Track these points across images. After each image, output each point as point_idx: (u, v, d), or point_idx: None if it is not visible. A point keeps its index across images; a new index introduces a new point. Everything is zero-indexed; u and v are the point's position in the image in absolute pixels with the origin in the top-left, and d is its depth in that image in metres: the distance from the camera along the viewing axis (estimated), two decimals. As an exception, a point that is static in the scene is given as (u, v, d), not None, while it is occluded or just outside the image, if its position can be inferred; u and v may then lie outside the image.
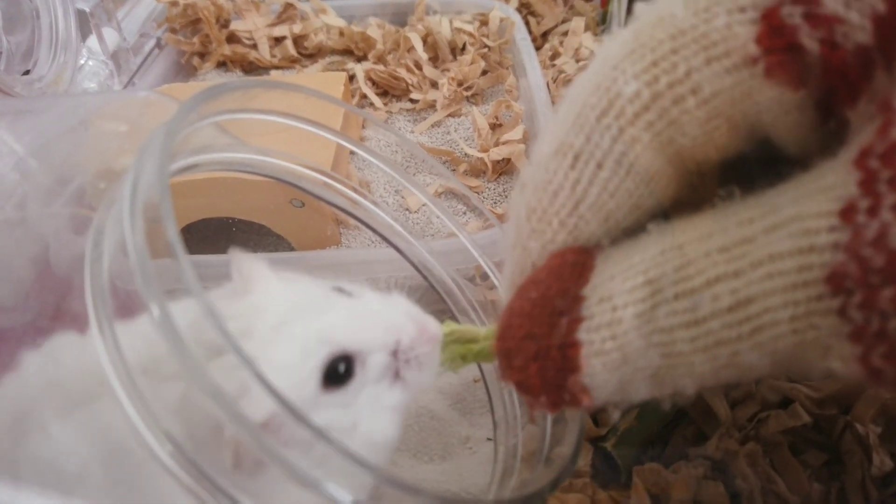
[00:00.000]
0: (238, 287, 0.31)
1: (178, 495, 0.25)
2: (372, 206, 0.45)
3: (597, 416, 0.42)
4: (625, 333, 0.20)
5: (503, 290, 0.26)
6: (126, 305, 0.26)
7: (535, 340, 0.22)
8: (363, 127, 0.69)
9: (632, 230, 0.23)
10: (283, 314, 0.29)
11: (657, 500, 0.38)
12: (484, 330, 0.31)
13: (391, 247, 0.45)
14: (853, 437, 0.40)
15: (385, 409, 0.30)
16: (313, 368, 0.28)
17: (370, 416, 0.30)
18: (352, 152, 0.62)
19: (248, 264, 0.32)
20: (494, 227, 0.47)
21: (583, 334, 0.21)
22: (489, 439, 0.44)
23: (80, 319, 0.26)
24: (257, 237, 0.55)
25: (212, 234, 0.55)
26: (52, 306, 0.33)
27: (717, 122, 0.20)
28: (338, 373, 0.28)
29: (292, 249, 0.54)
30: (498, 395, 0.40)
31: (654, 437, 0.42)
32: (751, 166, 0.23)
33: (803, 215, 0.18)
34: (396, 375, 0.30)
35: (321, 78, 0.68)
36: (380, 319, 0.30)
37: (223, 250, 0.54)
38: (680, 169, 0.22)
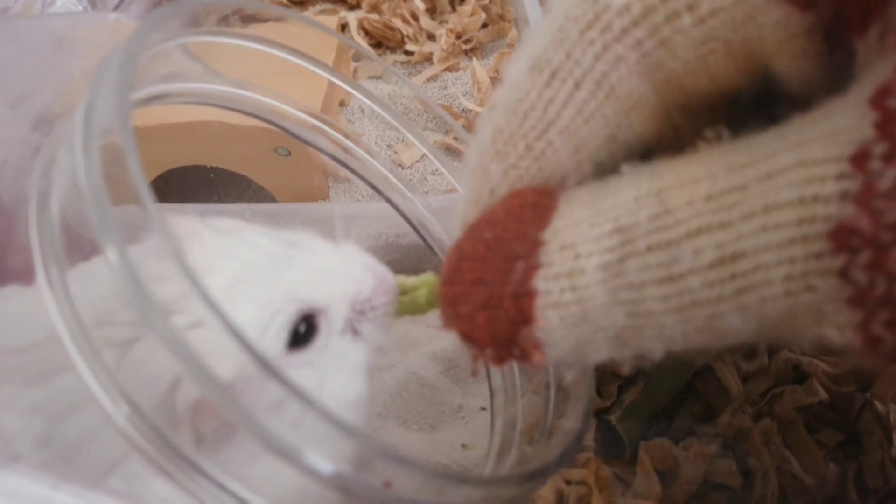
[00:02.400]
0: (165, 246, 0.27)
1: (126, 455, 0.22)
2: (365, 156, 0.42)
3: (600, 387, 0.40)
4: (587, 286, 0.18)
5: (455, 222, 0.23)
6: (78, 246, 0.22)
7: (486, 287, 0.20)
8: (354, 77, 0.65)
9: (602, 173, 0.21)
10: (237, 273, 0.27)
11: (663, 477, 0.35)
12: (413, 280, 0.30)
13: (385, 201, 0.42)
14: (872, 416, 0.38)
15: (351, 365, 0.28)
16: (280, 327, 0.26)
17: (336, 374, 0.28)
18: (341, 103, 0.58)
19: (173, 221, 0.28)
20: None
21: (539, 283, 0.19)
22: (483, 409, 0.41)
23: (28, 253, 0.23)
24: (239, 188, 0.52)
25: (190, 185, 0.51)
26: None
27: (713, 46, 0.18)
28: (302, 331, 0.27)
29: (275, 202, 0.51)
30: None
31: (660, 412, 0.39)
32: (743, 107, 0.20)
33: (806, 161, 0.16)
34: (354, 331, 0.29)
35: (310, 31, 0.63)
36: (341, 272, 0.29)
37: (202, 202, 0.50)
38: (665, 99, 0.20)
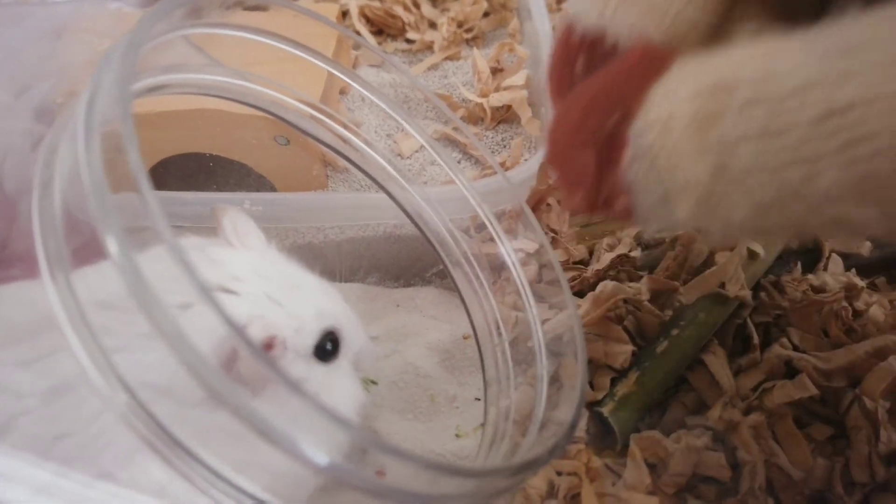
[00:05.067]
0: (232, 240, 0.33)
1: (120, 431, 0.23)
2: (364, 146, 0.42)
3: (593, 380, 0.40)
4: (677, 134, 0.19)
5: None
6: (78, 230, 0.23)
7: (587, 130, 0.22)
8: (354, 67, 0.65)
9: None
10: (281, 287, 0.32)
11: (654, 469, 0.36)
12: None
13: (383, 191, 0.42)
14: (861, 412, 0.38)
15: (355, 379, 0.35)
16: (311, 332, 0.32)
17: (350, 383, 0.34)
18: (341, 91, 0.58)
19: (242, 221, 0.34)
20: (496, 174, 0.44)
21: (635, 131, 0.20)
22: (478, 399, 0.41)
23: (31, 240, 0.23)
24: (238, 176, 0.52)
25: (189, 172, 0.51)
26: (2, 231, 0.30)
27: None
28: (329, 348, 0.33)
29: (275, 190, 0.51)
30: (490, 353, 0.38)
31: (652, 405, 0.39)
32: None
33: None
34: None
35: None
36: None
37: (201, 189, 0.50)
38: None
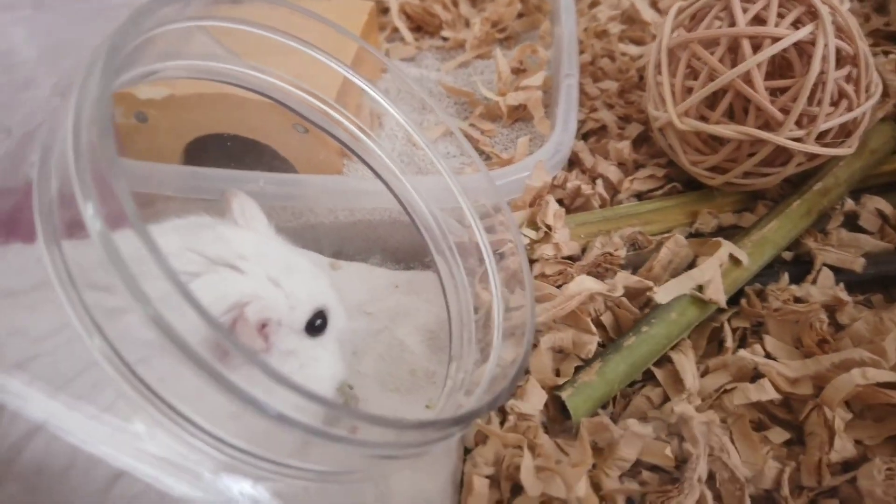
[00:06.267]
0: (239, 221, 0.38)
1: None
2: (365, 139, 0.46)
3: (559, 367, 0.43)
4: None
5: None
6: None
7: None
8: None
9: None
10: (280, 268, 0.35)
11: (601, 453, 0.38)
12: None
13: (380, 180, 0.46)
14: (819, 420, 0.39)
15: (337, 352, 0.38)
16: (305, 311, 0.35)
17: (332, 357, 0.38)
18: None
19: (249, 205, 0.39)
20: (502, 167, 0.47)
21: None
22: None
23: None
24: (266, 158, 0.56)
25: (222, 152, 0.56)
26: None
27: None
28: (317, 324, 0.36)
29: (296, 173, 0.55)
30: (458, 334, 0.41)
31: (612, 395, 0.41)
32: None
33: None
34: None
35: (343, 5, 0.66)
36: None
37: (233, 166, 0.55)
38: None
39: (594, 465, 0.37)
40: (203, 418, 0.29)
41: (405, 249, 0.52)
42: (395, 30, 0.73)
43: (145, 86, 0.51)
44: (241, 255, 0.35)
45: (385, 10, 0.74)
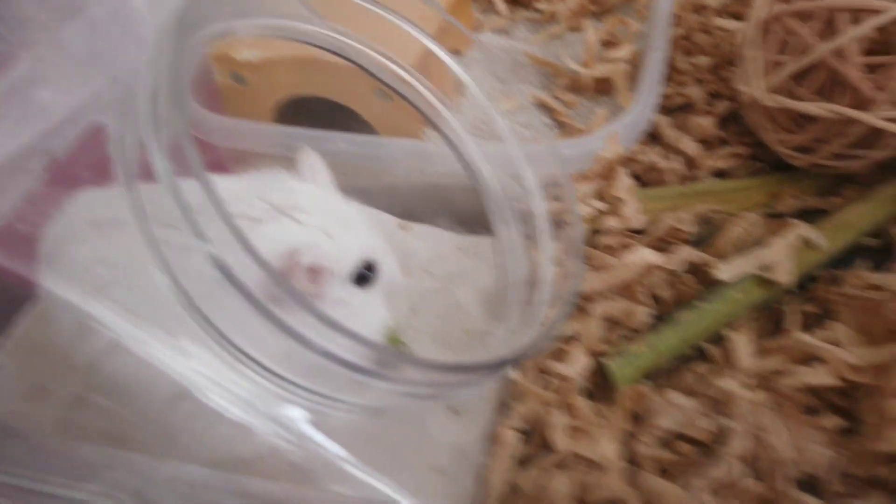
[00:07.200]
0: (305, 175, 0.41)
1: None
2: (440, 105, 0.47)
3: (610, 336, 0.43)
4: None
5: None
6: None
7: None
8: (476, 31, 0.69)
9: None
10: (336, 221, 0.38)
11: (639, 420, 0.38)
12: None
13: (449, 146, 0.47)
14: (875, 408, 0.38)
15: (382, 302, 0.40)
16: (355, 263, 0.38)
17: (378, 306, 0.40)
18: (455, 51, 0.63)
19: (316, 161, 0.41)
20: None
21: None
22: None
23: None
24: (351, 122, 0.59)
25: (310, 113, 0.59)
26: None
27: None
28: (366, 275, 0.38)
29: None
30: (510, 296, 0.42)
31: (661, 367, 0.41)
32: None
33: None
34: None
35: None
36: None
37: (319, 127, 0.58)
38: None
39: (632, 435, 0.37)
40: (257, 351, 0.32)
41: (471, 214, 0.53)
42: (490, 0, 0.73)
43: (242, 47, 0.55)
44: (301, 208, 0.37)
45: (480, -19, 0.74)
